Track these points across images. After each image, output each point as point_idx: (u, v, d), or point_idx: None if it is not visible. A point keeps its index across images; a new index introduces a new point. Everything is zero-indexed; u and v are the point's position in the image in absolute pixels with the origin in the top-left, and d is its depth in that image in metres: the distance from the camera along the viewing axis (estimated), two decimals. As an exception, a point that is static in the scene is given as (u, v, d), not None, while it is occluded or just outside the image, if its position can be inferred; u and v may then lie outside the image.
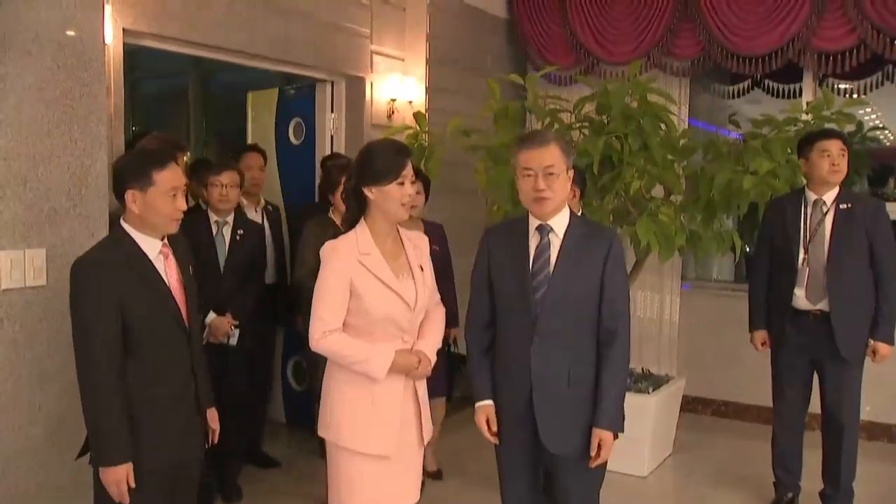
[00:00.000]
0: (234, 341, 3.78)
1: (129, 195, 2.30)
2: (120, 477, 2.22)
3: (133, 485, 2.24)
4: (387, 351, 2.45)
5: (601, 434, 2.50)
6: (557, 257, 2.52)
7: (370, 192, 2.45)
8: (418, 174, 3.81)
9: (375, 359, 2.43)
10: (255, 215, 4.41)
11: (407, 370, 2.50)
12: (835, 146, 3.60)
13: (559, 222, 2.55)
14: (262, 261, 4.16)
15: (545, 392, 2.52)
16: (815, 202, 3.67)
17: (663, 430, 4.62)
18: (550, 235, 2.55)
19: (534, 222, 2.57)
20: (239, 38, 4.14)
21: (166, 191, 2.30)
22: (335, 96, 5.01)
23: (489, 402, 2.64)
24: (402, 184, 2.44)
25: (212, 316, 3.72)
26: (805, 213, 3.69)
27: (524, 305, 2.52)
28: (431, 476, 4.26)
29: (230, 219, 3.91)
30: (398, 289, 2.47)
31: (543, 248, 2.54)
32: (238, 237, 3.92)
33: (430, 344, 2.59)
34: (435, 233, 4.05)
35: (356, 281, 2.43)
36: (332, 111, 5.03)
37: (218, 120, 9.55)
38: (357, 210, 2.51)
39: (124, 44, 3.56)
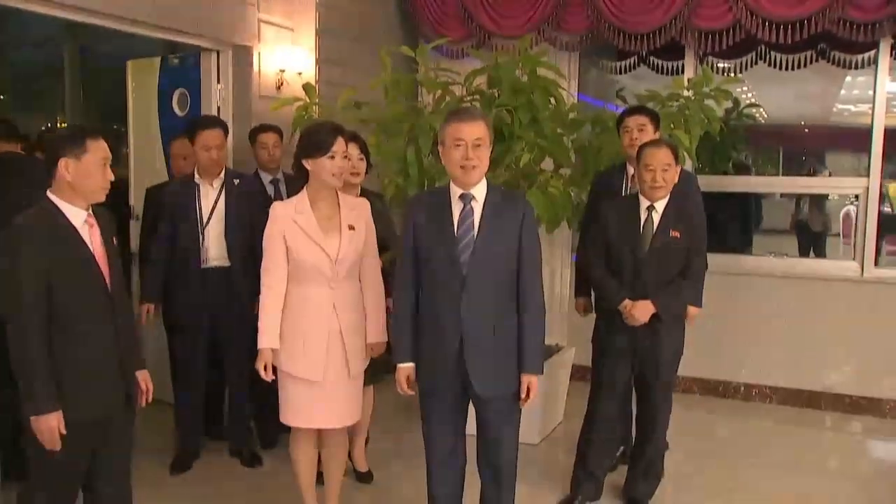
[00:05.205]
0: None
1: (63, 163, 2.43)
2: (52, 424, 2.40)
3: (64, 431, 2.42)
4: (269, 339, 3.01)
5: (529, 378, 2.78)
6: (480, 223, 2.73)
7: (308, 164, 2.97)
8: (356, 141, 3.78)
9: (264, 334, 3.02)
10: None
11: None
12: (632, 121, 3.74)
13: (479, 191, 2.76)
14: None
15: (474, 343, 2.74)
16: (632, 177, 3.72)
17: (554, 399, 4.73)
18: (472, 203, 2.75)
19: (456, 191, 2.76)
20: (118, 3, 3.90)
21: (98, 159, 2.46)
22: (221, 66, 4.83)
23: (412, 364, 2.87)
24: (332, 157, 2.93)
25: None
26: (626, 186, 3.79)
27: (453, 267, 2.72)
28: (360, 478, 3.99)
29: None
30: (322, 242, 2.97)
31: (467, 214, 2.74)
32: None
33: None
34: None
35: (288, 236, 2.97)
36: (219, 82, 4.85)
37: (96, 92, 9.08)
38: (301, 178, 3.03)
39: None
